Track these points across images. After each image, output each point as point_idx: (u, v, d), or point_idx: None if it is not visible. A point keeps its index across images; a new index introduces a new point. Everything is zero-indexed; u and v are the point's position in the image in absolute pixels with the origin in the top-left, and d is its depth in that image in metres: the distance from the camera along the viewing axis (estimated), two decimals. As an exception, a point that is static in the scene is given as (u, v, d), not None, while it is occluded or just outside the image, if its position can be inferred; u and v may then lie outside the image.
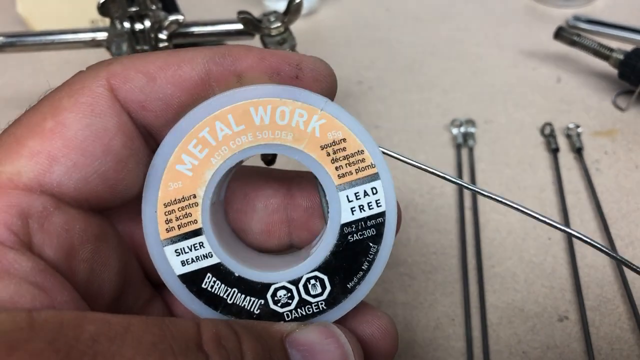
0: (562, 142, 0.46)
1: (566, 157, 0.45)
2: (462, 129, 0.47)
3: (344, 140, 0.21)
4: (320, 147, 0.21)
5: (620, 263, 0.24)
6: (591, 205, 0.41)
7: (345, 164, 0.22)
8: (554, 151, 0.45)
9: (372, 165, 0.22)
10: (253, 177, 0.26)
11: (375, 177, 0.22)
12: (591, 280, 0.36)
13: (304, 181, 0.25)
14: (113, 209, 0.22)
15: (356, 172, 0.22)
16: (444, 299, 0.36)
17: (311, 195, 0.25)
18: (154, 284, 0.25)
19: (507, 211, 0.41)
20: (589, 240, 0.23)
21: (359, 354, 0.21)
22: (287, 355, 0.20)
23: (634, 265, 0.24)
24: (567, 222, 0.39)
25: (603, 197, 0.41)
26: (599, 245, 0.23)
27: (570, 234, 0.24)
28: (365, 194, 0.22)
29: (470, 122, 0.47)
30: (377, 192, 0.22)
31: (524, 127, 0.48)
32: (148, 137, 0.22)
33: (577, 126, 0.46)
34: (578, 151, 0.44)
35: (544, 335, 0.34)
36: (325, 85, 0.22)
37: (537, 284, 0.36)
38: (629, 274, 0.36)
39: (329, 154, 0.22)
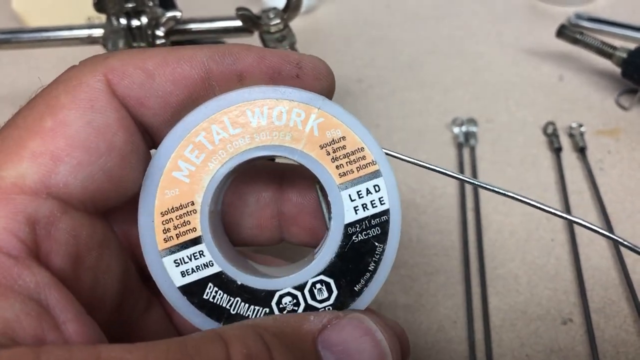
0: (565, 142, 0.45)
1: (569, 156, 0.44)
2: (464, 128, 0.46)
3: (344, 138, 0.21)
4: (320, 146, 0.21)
5: (620, 244, 0.24)
6: (595, 206, 0.40)
7: (346, 162, 0.21)
8: (557, 150, 0.44)
9: (373, 163, 0.21)
10: (245, 170, 0.25)
11: (377, 174, 0.21)
12: (595, 282, 0.36)
13: (296, 175, 0.25)
14: (114, 209, 0.22)
15: (357, 170, 0.21)
16: (446, 301, 0.35)
17: (302, 189, 0.25)
18: (151, 287, 0.24)
19: (509, 212, 0.40)
20: (590, 226, 0.23)
21: (397, 351, 0.20)
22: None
23: (633, 245, 0.24)
24: (570, 223, 0.39)
25: (607, 197, 0.40)
26: (599, 230, 0.23)
27: (573, 221, 0.24)
28: (368, 192, 0.21)
29: (472, 121, 0.46)
30: (379, 190, 0.21)
31: (526, 126, 0.47)
32: (145, 135, 0.21)
33: (580, 125, 0.45)
34: (581, 150, 0.44)
35: (548, 339, 0.33)
36: (326, 83, 0.22)
37: (541, 286, 0.36)
38: (634, 275, 0.35)
39: (328, 153, 0.21)
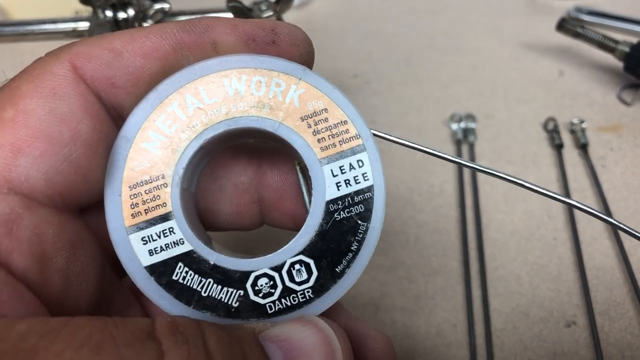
0: (566, 138, 0.44)
1: (571, 153, 0.43)
2: (462, 125, 0.45)
3: (326, 110, 0.20)
4: (301, 118, 0.20)
5: (624, 231, 0.23)
6: (597, 204, 0.39)
7: (328, 136, 0.20)
8: (558, 147, 0.43)
9: (357, 136, 0.20)
10: (221, 152, 0.24)
11: (361, 148, 0.20)
12: (599, 282, 0.34)
13: (276, 157, 0.24)
14: (90, 207, 0.20)
15: (340, 144, 0.20)
16: (445, 303, 0.34)
17: (283, 173, 0.24)
18: (130, 285, 0.23)
19: (510, 210, 0.39)
20: (592, 211, 0.22)
21: (344, 339, 0.19)
22: (263, 349, 0.17)
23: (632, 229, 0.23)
24: (572, 221, 0.38)
25: (609, 196, 0.39)
26: (603, 216, 0.22)
27: (573, 205, 0.22)
28: (351, 167, 0.20)
29: (471, 117, 0.45)
30: (363, 165, 0.20)
31: (526, 122, 0.46)
32: (119, 120, 0.20)
33: (582, 121, 0.44)
34: (583, 147, 0.43)
35: (551, 342, 0.32)
36: (303, 49, 0.21)
37: (543, 287, 0.34)
38: (639, 274, 0.34)
39: (310, 126, 0.20)
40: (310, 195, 0.21)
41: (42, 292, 0.17)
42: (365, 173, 0.20)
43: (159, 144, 0.19)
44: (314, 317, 0.19)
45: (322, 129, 0.20)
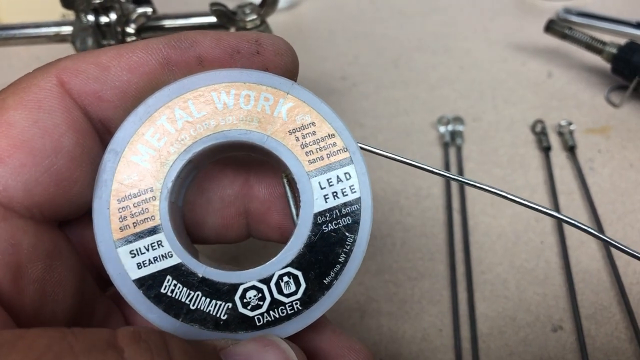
0: (554, 140, 0.44)
1: (558, 155, 0.43)
2: (450, 127, 0.45)
3: (313, 124, 0.20)
4: (289, 131, 0.20)
5: (611, 245, 0.22)
6: (585, 207, 0.39)
7: (316, 149, 0.20)
8: (546, 150, 0.43)
9: (344, 149, 0.20)
10: (209, 166, 0.24)
11: (348, 161, 0.20)
12: (586, 286, 0.34)
13: (263, 169, 0.24)
14: (69, 219, 0.20)
15: (328, 157, 0.20)
16: (432, 307, 0.34)
17: (270, 185, 0.24)
18: (113, 296, 0.23)
19: (497, 214, 0.39)
20: (579, 225, 0.22)
21: (303, 358, 0.19)
22: None
23: (626, 247, 0.22)
24: (560, 225, 0.37)
25: (597, 198, 0.39)
26: (589, 229, 0.22)
27: (562, 219, 0.22)
28: (339, 179, 0.20)
29: (458, 120, 0.45)
30: (350, 178, 0.20)
31: (514, 125, 0.46)
32: (105, 135, 0.20)
33: (570, 123, 0.44)
34: (571, 149, 0.43)
35: (537, 347, 0.32)
36: (287, 58, 0.21)
37: (530, 291, 0.34)
38: (625, 278, 0.34)
39: (298, 139, 0.20)
40: (297, 208, 0.21)
41: (15, 302, 0.17)
42: (353, 185, 0.20)
43: (147, 157, 0.20)
44: (276, 337, 0.19)
45: (310, 142, 0.20)
